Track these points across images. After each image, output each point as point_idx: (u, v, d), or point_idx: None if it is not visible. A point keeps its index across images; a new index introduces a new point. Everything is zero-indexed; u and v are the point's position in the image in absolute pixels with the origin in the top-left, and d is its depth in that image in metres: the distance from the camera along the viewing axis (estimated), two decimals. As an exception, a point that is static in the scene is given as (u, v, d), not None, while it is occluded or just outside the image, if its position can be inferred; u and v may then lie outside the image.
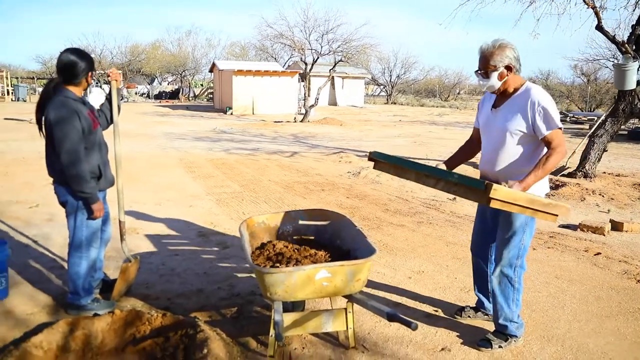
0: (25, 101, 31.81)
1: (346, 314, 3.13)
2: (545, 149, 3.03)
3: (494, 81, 3.09)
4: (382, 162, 3.27)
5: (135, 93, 41.71)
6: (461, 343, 3.31)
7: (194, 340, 3.04)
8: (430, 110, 35.53)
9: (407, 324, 2.68)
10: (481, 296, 3.64)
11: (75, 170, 3.32)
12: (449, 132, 19.78)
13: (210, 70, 35.20)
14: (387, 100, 48.74)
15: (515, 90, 3.12)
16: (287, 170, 9.87)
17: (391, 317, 2.79)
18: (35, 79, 42.76)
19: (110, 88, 3.76)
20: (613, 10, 33.56)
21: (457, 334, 3.44)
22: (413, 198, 7.68)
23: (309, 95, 24.73)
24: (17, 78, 41.27)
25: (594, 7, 9.05)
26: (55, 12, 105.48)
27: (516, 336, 3.29)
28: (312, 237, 3.81)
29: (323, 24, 26.23)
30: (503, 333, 3.28)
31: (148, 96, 42.20)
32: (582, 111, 32.51)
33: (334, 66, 25.76)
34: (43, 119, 3.37)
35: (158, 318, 3.28)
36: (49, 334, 3.07)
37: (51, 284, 4.10)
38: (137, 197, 7.13)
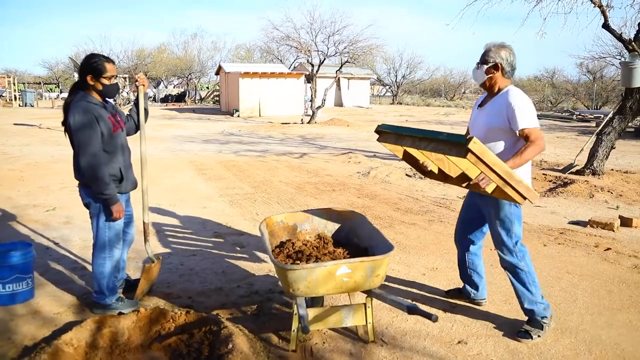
0: (32, 106, 32.07)
1: (365, 309, 3.21)
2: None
3: (481, 73, 3.41)
4: (386, 132, 3.42)
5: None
6: (477, 336, 3.40)
7: (218, 336, 3.14)
8: (436, 110, 35.51)
9: (428, 317, 2.78)
10: (464, 282, 3.90)
11: (93, 173, 3.41)
12: (455, 131, 19.74)
13: (217, 73, 35.34)
14: (393, 100, 48.73)
15: (499, 90, 3.41)
16: (297, 171, 9.97)
17: (411, 310, 2.89)
18: (42, 84, 43.05)
19: (137, 93, 3.87)
20: (619, 9, 33.54)
21: (473, 327, 3.53)
22: (423, 197, 7.76)
23: (315, 97, 24.82)
24: (24, 83, 41.63)
25: (600, 6, 9.12)
26: (61, 17, 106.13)
27: (546, 317, 3.41)
28: (330, 235, 3.90)
29: (329, 25, 26.29)
30: (537, 321, 3.40)
31: (154, 99, 42.39)
32: (588, 109, 32.49)
33: (340, 67, 25.85)
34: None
35: (182, 315, 3.39)
36: (78, 332, 3.17)
37: (74, 284, 4.22)
38: (150, 198, 7.20)
